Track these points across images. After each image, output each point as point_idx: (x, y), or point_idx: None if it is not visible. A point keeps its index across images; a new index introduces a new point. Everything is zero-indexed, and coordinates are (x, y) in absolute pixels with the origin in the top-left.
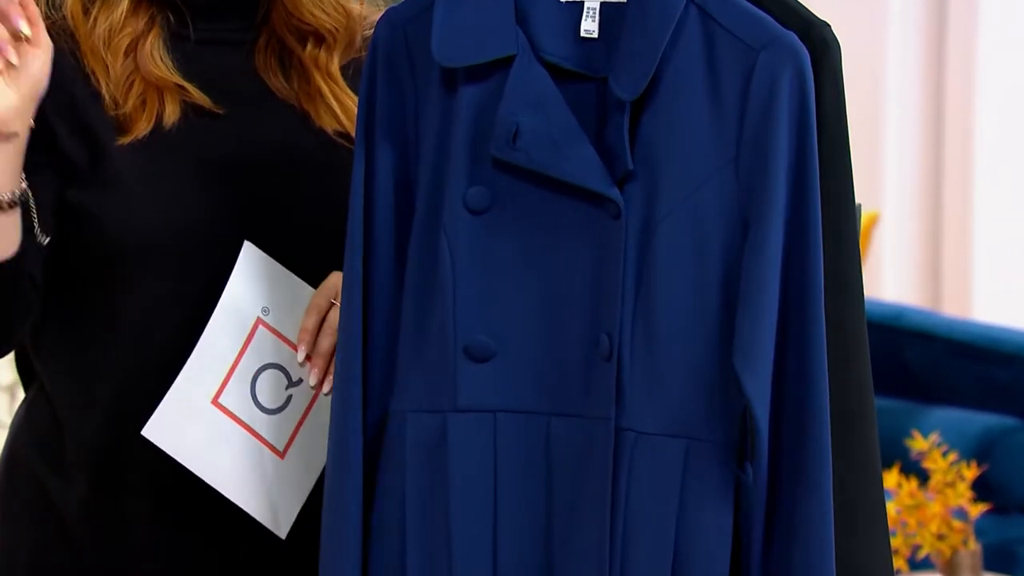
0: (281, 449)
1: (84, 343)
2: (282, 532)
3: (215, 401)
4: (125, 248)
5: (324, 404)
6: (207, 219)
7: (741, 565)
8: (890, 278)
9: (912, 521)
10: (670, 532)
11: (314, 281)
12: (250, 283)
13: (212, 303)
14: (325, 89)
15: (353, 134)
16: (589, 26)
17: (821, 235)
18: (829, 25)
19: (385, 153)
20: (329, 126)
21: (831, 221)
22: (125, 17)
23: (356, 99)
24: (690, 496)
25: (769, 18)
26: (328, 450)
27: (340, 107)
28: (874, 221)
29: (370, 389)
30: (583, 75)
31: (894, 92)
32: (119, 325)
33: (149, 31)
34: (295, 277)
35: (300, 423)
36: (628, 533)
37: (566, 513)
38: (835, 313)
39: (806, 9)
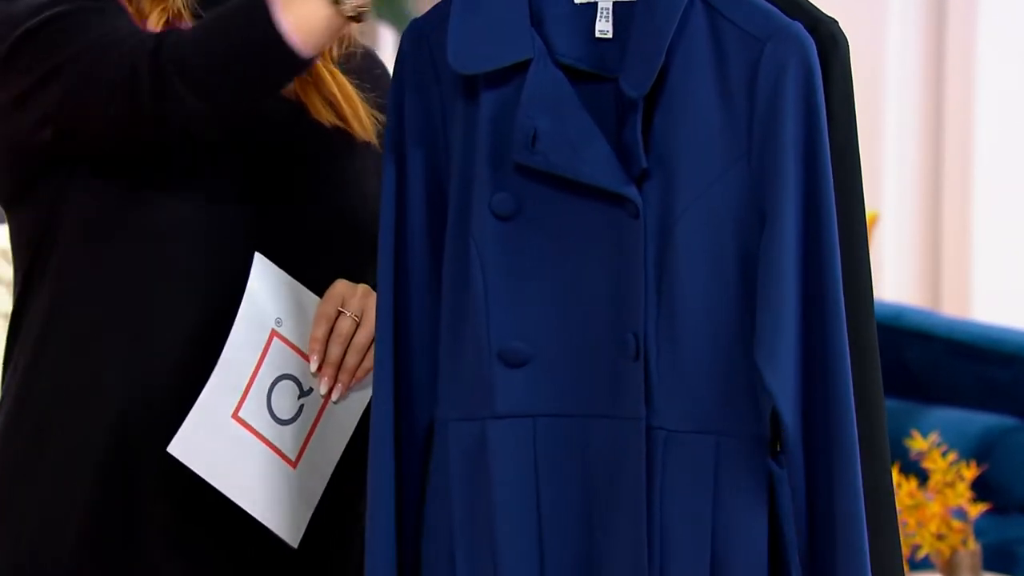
0: (294, 459)
1: (96, 324)
2: (295, 542)
3: (235, 415)
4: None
5: (332, 412)
6: (210, 207)
7: (778, 559)
8: (890, 278)
9: (912, 521)
10: (706, 527)
11: (311, 272)
12: (263, 294)
13: (212, 289)
14: (326, 76)
15: (350, 118)
16: (603, 26)
17: (836, 224)
18: (836, 21)
19: (417, 163)
20: (326, 120)
21: (840, 215)
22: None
23: (354, 85)
24: (723, 491)
25: (775, 9)
26: (369, 452)
27: (340, 92)
28: (874, 221)
29: (414, 395)
30: (598, 75)
31: (894, 92)
32: (131, 313)
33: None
34: (301, 286)
35: (311, 432)
36: (665, 530)
37: (605, 513)
38: (849, 306)
39: (814, 6)
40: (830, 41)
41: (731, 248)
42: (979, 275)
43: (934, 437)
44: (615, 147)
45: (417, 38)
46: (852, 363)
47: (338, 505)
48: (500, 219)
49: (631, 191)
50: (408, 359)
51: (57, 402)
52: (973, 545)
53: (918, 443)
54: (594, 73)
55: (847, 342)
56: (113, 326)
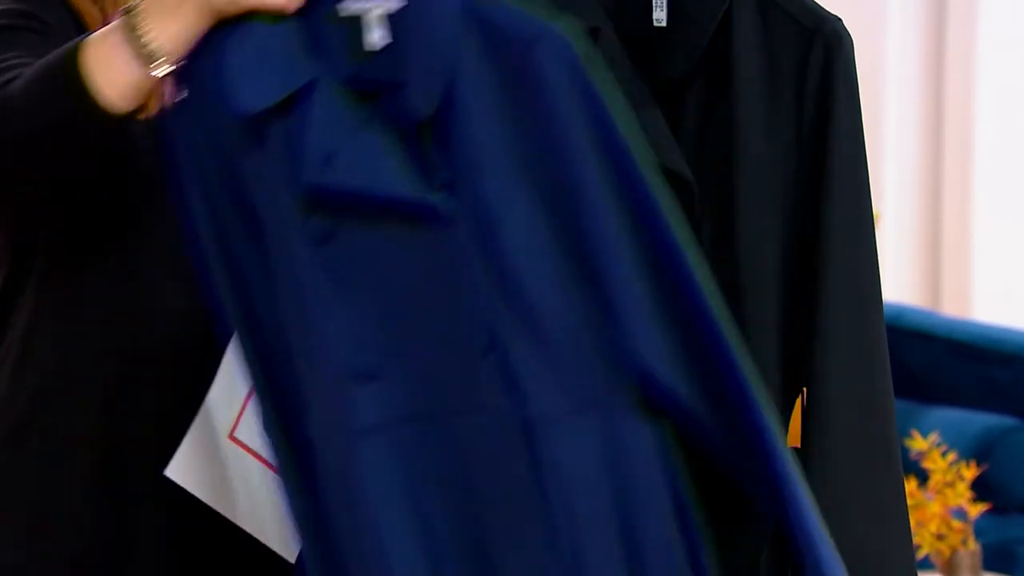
0: None
1: (87, 322)
2: (292, 556)
3: (232, 436)
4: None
5: None
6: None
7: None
8: (890, 278)
9: (911, 521)
10: (607, 499)
11: None
12: None
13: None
14: None
15: None
16: (372, 39)
17: (645, 179)
18: (840, 20)
19: (202, 203)
20: None
21: (849, 217)
22: None
23: None
24: (617, 462)
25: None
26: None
27: None
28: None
29: (288, 419)
30: (379, 87)
31: (894, 92)
32: (119, 301)
33: None
34: None
35: None
36: (568, 511)
37: (498, 511)
38: (857, 305)
39: (818, 4)
40: (835, 39)
41: (558, 231)
42: (979, 275)
43: (934, 437)
44: (412, 157)
45: (186, 78)
46: (861, 364)
47: None
48: (319, 244)
49: (433, 197)
50: (274, 389)
51: (42, 401)
52: (973, 545)
53: (918, 443)
54: (373, 86)
55: (703, 292)
56: (98, 322)
